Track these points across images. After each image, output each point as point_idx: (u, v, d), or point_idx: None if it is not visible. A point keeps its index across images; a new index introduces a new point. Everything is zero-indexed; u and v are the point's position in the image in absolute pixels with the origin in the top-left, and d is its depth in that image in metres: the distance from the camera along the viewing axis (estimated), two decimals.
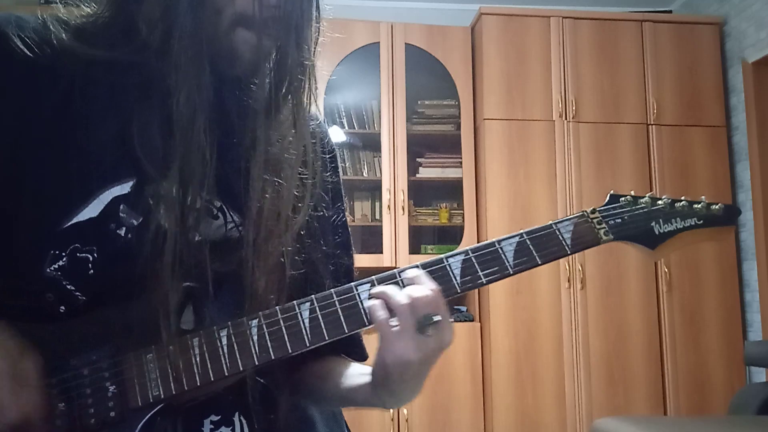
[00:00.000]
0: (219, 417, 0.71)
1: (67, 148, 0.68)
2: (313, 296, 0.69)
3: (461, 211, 3.62)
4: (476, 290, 3.41)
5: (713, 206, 0.80)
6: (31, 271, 0.67)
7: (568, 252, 0.75)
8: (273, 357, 0.67)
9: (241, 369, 0.66)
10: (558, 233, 0.75)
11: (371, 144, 3.70)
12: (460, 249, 0.73)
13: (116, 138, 0.70)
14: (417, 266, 0.72)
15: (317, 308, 0.69)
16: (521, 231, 0.75)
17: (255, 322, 0.67)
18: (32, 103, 0.68)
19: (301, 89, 0.74)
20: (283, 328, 0.67)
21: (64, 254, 0.67)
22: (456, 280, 0.71)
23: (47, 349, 0.64)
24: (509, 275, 0.73)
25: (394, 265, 3.44)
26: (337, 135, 3.63)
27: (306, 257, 0.76)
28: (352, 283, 0.71)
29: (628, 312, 3.44)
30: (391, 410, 3.26)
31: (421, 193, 3.82)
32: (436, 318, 0.66)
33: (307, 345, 0.67)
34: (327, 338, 0.68)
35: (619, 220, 0.77)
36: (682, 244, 0.79)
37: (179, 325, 0.66)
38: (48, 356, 0.64)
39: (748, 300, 3.55)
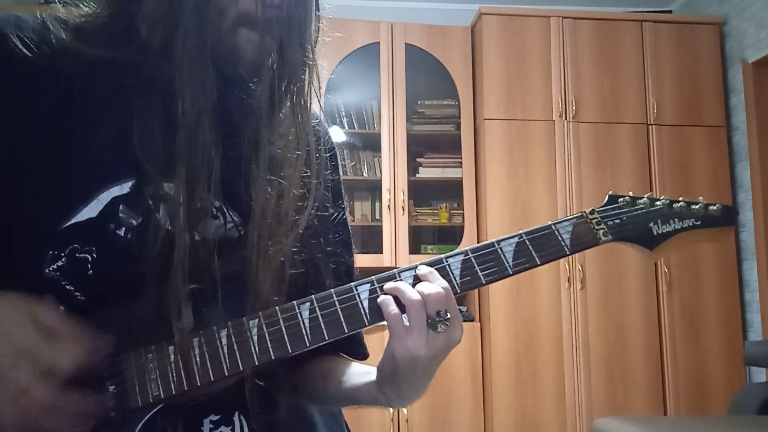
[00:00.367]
0: (219, 416, 0.71)
1: (66, 148, 0.68)
2: (313, 296, 0.69)
3: (461, 211, 3.62)
4: (476, 290, 3.41)
5: (711, 207, 0.80)
6: (30, 271, 0.67)
7: (567, 252, 0.75)
8: (273, 357, 0.67)
9: (242, 369, 0.66)
10: (557, 234, 0.75)
11: (371, 144, 3.70)
12: (459, 249, 0.73)
13: (116, 138, 0.69)
14: (417, 266, 0.72)
15: (317, 308, 0.69)
16: (520, 231, 0.75)
17: (255, 322, 0.67)
18: (32, 103, 0.68)
19: (303, 88, 0.75)
20: (283, 328, 0.67)
21: (63, 254, 0.67)
22: (455, 280, 0.72)
23: None
24: (509, 275, 0.73)
25: (394, 265, 3.44)
26: (337, 135, 3.63)
27: (307, 256, 0.77)
28: (352, 283, 0.71)
29: (628, 312, 3.44)
30: (391, 410, 3.26)
31: (421, 193, 3.82)
32: (448, 315, 0.67)
33: (307, 345, 0.68)
34: (327, 338, 0.68)
35: (618, 221, 0.78)
36: (681, 245, 0.80)
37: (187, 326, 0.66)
38: None
39: (748, 300, 3.55)
